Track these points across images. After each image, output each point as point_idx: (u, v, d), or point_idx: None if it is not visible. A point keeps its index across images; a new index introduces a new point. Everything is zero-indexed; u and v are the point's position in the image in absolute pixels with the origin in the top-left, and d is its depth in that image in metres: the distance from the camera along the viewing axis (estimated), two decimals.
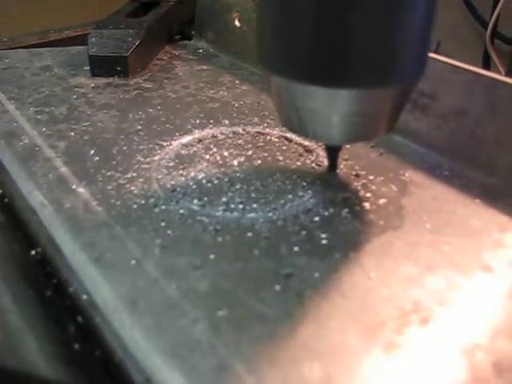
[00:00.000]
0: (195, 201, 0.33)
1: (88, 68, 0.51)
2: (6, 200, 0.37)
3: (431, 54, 0.38)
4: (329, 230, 0.31)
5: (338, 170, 0.36)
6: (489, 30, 0.71)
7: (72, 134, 0.41)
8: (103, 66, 0.49)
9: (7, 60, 0.54)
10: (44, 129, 0.42)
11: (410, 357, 0.24)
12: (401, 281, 0.28)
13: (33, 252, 0.33)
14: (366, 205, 0.33)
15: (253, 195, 0.33)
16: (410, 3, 0.27)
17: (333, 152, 0.35)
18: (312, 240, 0.30)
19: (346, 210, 0.32)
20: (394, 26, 0.27)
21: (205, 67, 0.54)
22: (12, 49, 0.58)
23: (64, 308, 0.29)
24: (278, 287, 0.27)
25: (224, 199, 0.33)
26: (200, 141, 0.39)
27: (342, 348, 0.24)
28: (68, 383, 0.24)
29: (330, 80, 0.28)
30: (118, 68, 0.49)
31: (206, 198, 0.33)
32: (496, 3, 0.69)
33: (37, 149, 0.39)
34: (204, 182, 0.35)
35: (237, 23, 0.54)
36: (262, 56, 0.31)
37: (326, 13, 0.27)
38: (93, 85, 0.49)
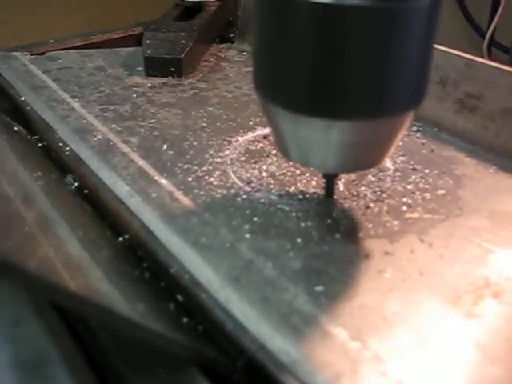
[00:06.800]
0: (273, 191, 0.36)
1: (140, 68, 0.54)
2: (86, 191, 0.40)
3: (478, 59, 0.41)
4: (397, 217, 0.34)
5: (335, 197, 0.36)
6: (486, 39, 0.73)
7: (142, 130, 0.44)
8: (158, 67, 0.52)
9: (60, 61, 0.57)
10: (113, 125, 0.45)
11: (490, 324, 0.27)
12: (468, 260, 0.32)
13: (120, 238, 0.36)
14: (427, 195, 0.37)
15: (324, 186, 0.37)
16: (405, 44, 0.28)
17: (330, 179, 0.35)
18: (384, 225, 0.34)
19: (410, 201, 0.36)
20: (388, 64, 0.28)
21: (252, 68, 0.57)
22: (59, 50, 0.61)
23: (161, 288, 0.32)
24: (362, 266, 0.31)
25: (299, 189, 0.37)
26: (265, 137, 0.43)
27: (429, 315, 0.28)
28: (188, 345, 0.27)
29: (326, 111, 0.29)
30: (172, 69, 0.52)
31: (282, 189, 0.37)
32: (494, 13, 0.72)
33: (111, 144, 0.42)
34: (277, 174, 0.38)
35: None
36: (260, 85, 0.32)
37: (325, 49, 0.28)
38: (149, 84, 0.52)
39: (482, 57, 0.73)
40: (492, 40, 0.74)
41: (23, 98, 0.50)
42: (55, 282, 0.25)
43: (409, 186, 0.37)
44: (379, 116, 0.30)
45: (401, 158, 0.40)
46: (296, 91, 0.30)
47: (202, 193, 0.36)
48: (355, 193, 0.36)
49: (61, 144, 0.44)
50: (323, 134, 0.30)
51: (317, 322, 0.27)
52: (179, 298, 0.31)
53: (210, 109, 0.48)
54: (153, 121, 0.45)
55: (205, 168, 0.39)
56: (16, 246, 0.29)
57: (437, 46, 0.43)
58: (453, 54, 0.43)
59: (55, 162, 0.44)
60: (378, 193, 0.37)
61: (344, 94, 0.29)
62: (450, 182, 0.38)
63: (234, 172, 0.38)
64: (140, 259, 0.34)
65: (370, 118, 0.30)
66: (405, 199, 0.36)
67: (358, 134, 0.30)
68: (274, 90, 0.31)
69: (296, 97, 0.30)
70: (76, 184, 0.41)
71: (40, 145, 0.46)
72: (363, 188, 0.37)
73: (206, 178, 0.38)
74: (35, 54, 0.59)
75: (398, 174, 0.39)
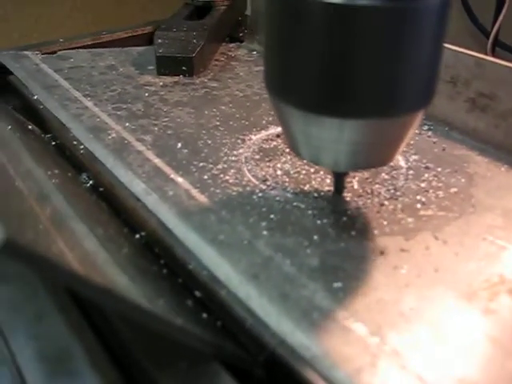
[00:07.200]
0: (288, 189, 0.37)
1: (152, 67, 0.55)
2: (101, 189, 0.40)
3: (490, 58, 0.42)
4: (412, 215, 0.35)
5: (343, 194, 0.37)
6: (490, 38, 0.73)
7: (155, 128, 0.44)
8: (170, 66, 0.53)
9: (71, 60, 0.58)
10: (127, 124, 0.45)
11: (506, 319, 0.28)
12: (483, 257, 0.32)
13: (137, 236, 0.36)
14: (440, 193, 0.37)
15: None
16: (416, 44, 0.29)
17: (339, 177, 0.36)
18: (399, 223, 0.34)
19: (423, 198, 0.36)
20: (398, 63, 0.29)
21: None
22: (70, 49, 0.61)
23: (179, 284, 0.33)
24: (378, 262, 0.31)
25: (314, 187, 0.37)
26: (278, 136, 0.43)
27: (445, 311, 0.28)
28: (212, 340, 0.28)
29: (337, 110, 0.30)
30: (184, 68, 0.52)
31: (297, 187, 0.37)
32: (498, 13, 0.72)
33: (126, 142, 0.43)
34: (291, 172, 0.39)
35: None
36: (272, 85, 0.32)
37: (336, 48, 0.28)
38: (161, 83, 0.52)
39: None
40: (496, 40, 0.74)
41: (36, 97, 0.51)
42: (75, 270, 0.26)
43: (422, 184, 0.38)
44: (390, 115, 0.30)
45: (413, 156, 0.41)
46: (307, 90, 0.30)
47: (218, 191, 0.37)
48: (369, 191, 0.37)
49: (75, 142, 0.44)
50: (334, 132, 0.30)
51: (336, 318, 0.28)
52: (197, 294, 0.32)
53: (223, 107, 0.48)
54: (166, 119, 0.46)
55: (220, 166, 0.39)
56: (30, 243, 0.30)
57: (448, 46, 0.44)
58: (464, 53, 0.43)
59: (69, 160, 0.44)
60: (392, 191, 0.37)
61: (355, 94, 0.29)
62: (463, 180, 0.39)
63: (248, 170, 0.39)
64: (157, 256, 0.35)
65: (381, 117, 0.30)
66: (418, 197, 0.36)
67: (368, 132, 0.30)
68: (286, 90, 0.31)
69: (307, 96, 0.30)
70: (91, 182, 0.41)
71: (53, 143, 0.47)
72: (377, 186, 0.37)
73: (222, 176, 0.38)
74: (46, 53, 0.60)
75: (411, 172, 0.39)
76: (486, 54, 0.73)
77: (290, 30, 0.29)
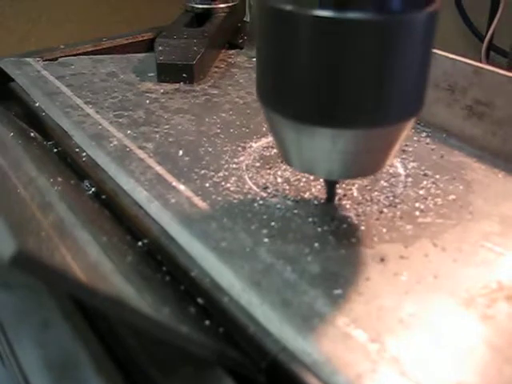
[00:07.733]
0: (289, 196, 0.37)
1: (152, 74, 0.55)
2: (104, 197, 0.41)
3: (487, 66, 0.42)
4: (411, 222, 0.35)
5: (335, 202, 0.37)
6: (485, 42, 0.73)
7: (157, 136, 0.45)
8: (170, 73, 0.53)
9: (73, 66, 0.58)
10: (129, 131, 0.46)
11: (504, 325, 0.28)
12: (481, 264, 0.33)
13: (139, 243, 0.37)
14: (438, 200, 0.38)
15: (339, 191, 0.38)
16: (405, 56, 0.29)
17: (331, 185, 0.37)
18: (398, 230, 0.35)
19: (422, 206, 0.37)
20: (388, 74, 0.29)
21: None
22: (71, 56, 0.61)
23: (181, 292, 0.33)
24: (378, 269, 0.32)
25: (314, 195, 0.38)
26: None
27: (444, 317, 0.29)
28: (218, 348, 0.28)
29: (330, 121, 0.30)
30: (184, 75, 0.53)
31: (297, 194, 0.38)
32: (492, 16, 0.72)
33: (127, 149, 0.43)
34: (292, 180, 0.39)
35: None
36: (264, 96, 0.33)
37: (326, 60, 0.28)
38: (162, 90, 0.53)
39: (480, 60, 0.74)
40: (490, 43, 0.75)
41: (37, 104, 0.51)
42: (80, 279, 0.26)
43: (421, 192, 0.38)
44: (381, 125, 0.31)
45: (412, 163, 0.41)
46: (299, 102, 0.30)
47: (219, 198, 0.37)
48: (369, 198, 0.38)
49: (77, 150, 0.45)
50: (326, 142, 0.31)
51: (336, 324, 0.28)
52: (200, 301, 0.32)
53: (223, 115, 0.49)
54: (167, 127, 0.46)
55: (221, 174, 0.40)
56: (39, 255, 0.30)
57: (447, 54, 0.45)
58: (461, 61, 0.44)
59: (72, 167, 0.45)
60: (391, 198, 0.38)
61: (346, 104, 0.30)
62: (461, 187, 0.39)
63: (249, 178, 0.39)
64: (160, 263, 0.35)
65: (372, 126, 0.30)
66: (417, 204, 0.37)
67: (360, 142, 0.31)
68: (277, 101, 0.32)
69: (299, 107, 0.31)
70: (93, 189, 0.42)
71: (55, 150, 0.47)
72: (376, 193, 0.38)
73: (223, 183, 0.39)
74: (47, 60, 0.60)
75: (409, 179, 0.40)
76: (480, 57, 0.74)
77: (280, 42, 0.30)
